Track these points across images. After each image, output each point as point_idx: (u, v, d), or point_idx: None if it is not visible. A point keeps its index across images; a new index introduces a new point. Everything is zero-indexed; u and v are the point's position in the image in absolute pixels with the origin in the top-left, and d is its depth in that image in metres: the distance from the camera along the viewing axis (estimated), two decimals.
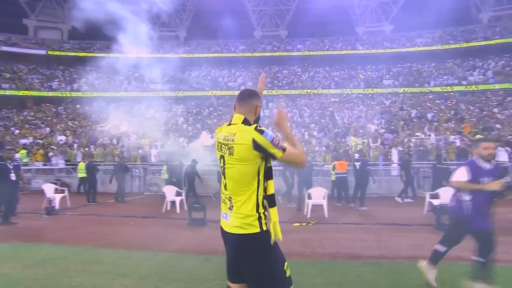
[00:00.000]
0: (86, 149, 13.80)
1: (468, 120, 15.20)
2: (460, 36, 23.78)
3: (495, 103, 17.54)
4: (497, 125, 13.88)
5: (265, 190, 1.54)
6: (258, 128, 1.48)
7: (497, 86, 19.71)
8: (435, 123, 15.19)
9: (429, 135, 12.97)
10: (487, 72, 20.99)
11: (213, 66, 25.12)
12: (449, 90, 20.75)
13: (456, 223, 2.80)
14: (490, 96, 18.92)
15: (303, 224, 5.73)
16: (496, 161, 2.73)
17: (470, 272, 2.67)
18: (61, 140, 16.04)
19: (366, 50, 25.13)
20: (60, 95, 23.07)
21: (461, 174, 2.67)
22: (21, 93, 22.26)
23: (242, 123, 1.56)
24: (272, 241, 1.51)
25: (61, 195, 7.77)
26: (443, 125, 14.83)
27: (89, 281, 3.12)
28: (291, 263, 1.69)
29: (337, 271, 3.33)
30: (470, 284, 2.64)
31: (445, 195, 6.14)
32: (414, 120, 16.31)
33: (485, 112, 16.22)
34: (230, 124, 1.61)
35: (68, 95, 23.16)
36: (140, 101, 21.34)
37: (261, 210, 1.51)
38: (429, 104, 18.90)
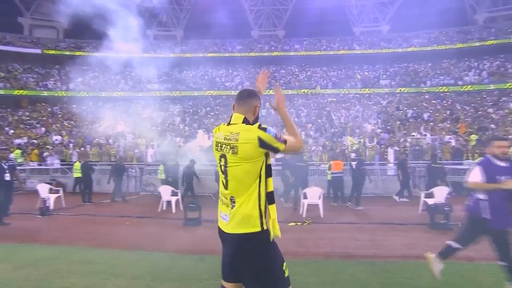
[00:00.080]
0: (82, 149, 13.70)
1: (463, 120, 15.34)
2: (456, 37, 23.97)
3: (490, 103, 17.71)
4: (492, 125, 14.01)
5: (265, 188, 1.56)
6: (261, 126, 1.52)
7: (492, 87, 19.90)
8: (431, 123, 15.30)
9: (425, 135, 13.06)
10: (482, 73, 21.18)
11: (210, 65, 25.07)
12: (445, 90, 20.91)
13: (473, 222, 2.73)
14: (485, 96, 19.10)
15: (298, 223, 5.74)
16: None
17: (504, 276, 2.61)
18: (56, 140, 15.91)
19: (363, 50, 25.24)
20: (55, 94, 22.88)
21: (475, 175, 2.62)
22: (15, 92, 22.04)
23: (242, 122, 1.57)
24: (271, 239, 1.52)
25: (56, 195, 7.71)
26: (439, 125, 14.95)
27: (81, 281, 3.10)
28: None
29: (330, 270, 3.34)
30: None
31: (440, 194, 6.21)
32: (410, 120, 16.42)
33: (480, 112, 16.37)
34: (229, 123, 1.61)
35: (64, 94, 22.97)
36: (136, 100, 21.25)
37: (263, 208, 1.52)
38: (425, 104, 19.03)
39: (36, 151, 13.66)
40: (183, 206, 6.65)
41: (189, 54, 26.26)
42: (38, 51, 24.56)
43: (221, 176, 1.61)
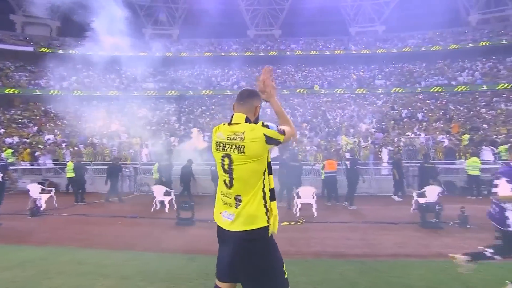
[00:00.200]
0: (75, 148, 13.54)
1: (456, 120, 15.51)
2: (449, 38, 24.23)
3: (482, 104, 17.95)
4: (484, 125, 14.20)
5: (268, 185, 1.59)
6: (264, 123, 1.55)
7: (485, 87, 20.17)
8: (425, 123, 15.45)
9: (419, 134, 13.18)
10: (475, 73, 21.46)
11: (206, 65, 24.98)
12: (439, 90, 21.14)
13: (507, 237, 2.60)
14: (477, 96, 19.35)
15: (291, 223, 5.75)
16: None
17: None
18: (49, 139, 15.70)
19: (358, 50, 25.38)
20: (48, 93, 22.56)
21: (505, 187, 2.55)
22: (7, 91, 21.69)
23: (245, 122, 1.58)
24: (269, 234, 1.54)
25: (47, 195, 7.61)
26: (433, 125, 15.10)
27: (69, 282, 3.07)
28: None
29: (320, 269, 3.35)
30: None
31: (431, 193, 6.28)
32: (405, 119, 16.57)
33: (472, 112, 16.58)
34: (231, 123, 1.60)
35: (57, 93, 22.67)
36: (131, 100, 21.07)
37: (268, 205, 1.55)
38: (419, 104, 19.21)
39: (28, 150, 13.45)
40: (177, 206, 6.62)
41: (184, 53, 26.13)
42: (31, 49, 24.21)
43: (224, 176, 1.59)
